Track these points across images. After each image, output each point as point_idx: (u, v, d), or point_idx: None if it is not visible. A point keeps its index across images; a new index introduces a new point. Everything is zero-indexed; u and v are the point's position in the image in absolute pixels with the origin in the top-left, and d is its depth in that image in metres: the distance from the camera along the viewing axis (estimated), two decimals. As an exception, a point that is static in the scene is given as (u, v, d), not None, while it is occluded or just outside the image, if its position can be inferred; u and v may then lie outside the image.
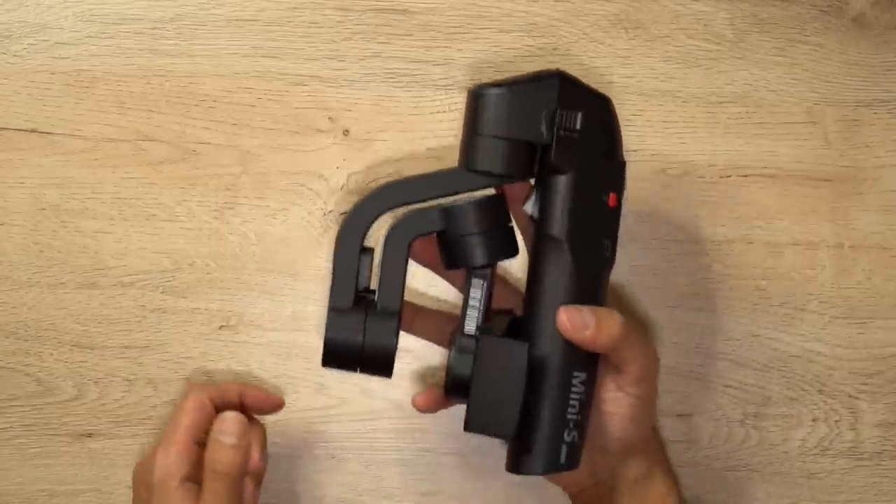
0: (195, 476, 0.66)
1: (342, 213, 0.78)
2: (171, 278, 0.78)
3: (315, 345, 0.77)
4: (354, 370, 0.65)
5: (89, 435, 0.78)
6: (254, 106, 0.78)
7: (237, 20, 0.78)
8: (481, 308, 0.65)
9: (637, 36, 0.78)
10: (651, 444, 0.71)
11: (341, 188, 0.78)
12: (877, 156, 0.78)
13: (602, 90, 0.64)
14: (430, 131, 0.78)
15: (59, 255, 0.78)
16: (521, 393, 0.61)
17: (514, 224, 0.67)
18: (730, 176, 0.78)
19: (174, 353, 0.78)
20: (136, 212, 0.78)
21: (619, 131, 0.65)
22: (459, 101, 0.77)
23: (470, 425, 0.62)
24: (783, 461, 0.78)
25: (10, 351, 0.78)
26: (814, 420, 0.78)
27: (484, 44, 0.78)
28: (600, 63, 0.77)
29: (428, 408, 0.70)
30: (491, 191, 0.65)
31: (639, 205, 0.78)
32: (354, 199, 0.78)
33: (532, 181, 0.65)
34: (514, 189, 0.66)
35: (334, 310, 0.64)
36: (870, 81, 0.78)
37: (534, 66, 0.77)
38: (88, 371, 0.78)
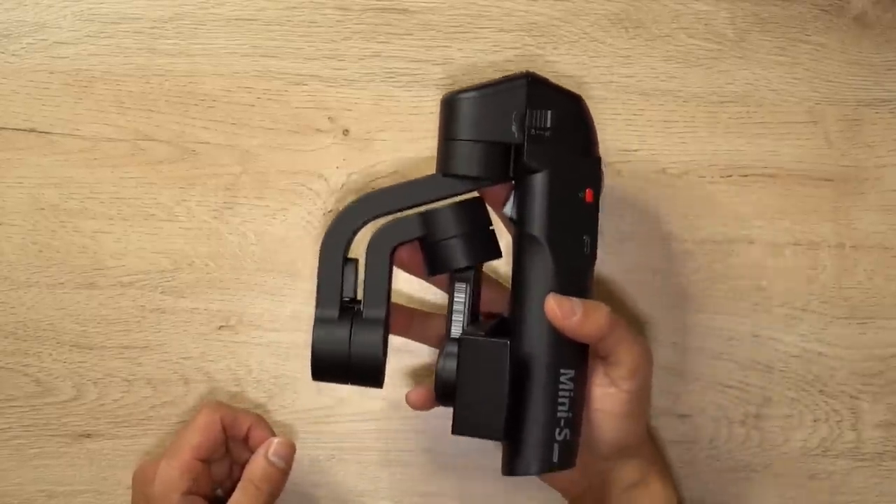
0: (195, 491, 0.68)
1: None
2: (170, 278, 0.78)
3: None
4: (345, 382, 0.64)
5: (88, 435, 0.78)
6: (253, 105, 0.78)
7: (236, 19, 0.77)
8: (466, 311, 0.65)
9: (637, 35, 0.77)
10: (646, 449, 0.70)
11: (341, 188, 0.78)
12: (878, 155, 0.78)
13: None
14: (429, 131, 0.77)
15: (57, 255, 0.78)
16: (506, 392, 0.61)
17: (496, 227, 0.66)
18: (730, 175, 0.78)
19: (173, 353, 0.78)
20: (135, 212, 0.78)
21: (594, 129, 0.65)
22: (459, 100, 0.77)
23: (457, 428, 0.62)
24: (784, 462, 0.78)
25: (8, 351, 0.78)
26: (815, 420, 0.78)
27: (484, 43, 0.77)
28: (601, 62, 0.77)
29: (422, 405, 0.69)
30: (473, 195, 0.65)
31: (639, 205, 0.77)
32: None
33: (512, 183, 0.65)
34: (496, 192, 0.66)
35: (320, 321, 0.64)
36: (871, 81, 0.78)
37: (534, 66, 0.77)
38: (87, 371, 0.78)
